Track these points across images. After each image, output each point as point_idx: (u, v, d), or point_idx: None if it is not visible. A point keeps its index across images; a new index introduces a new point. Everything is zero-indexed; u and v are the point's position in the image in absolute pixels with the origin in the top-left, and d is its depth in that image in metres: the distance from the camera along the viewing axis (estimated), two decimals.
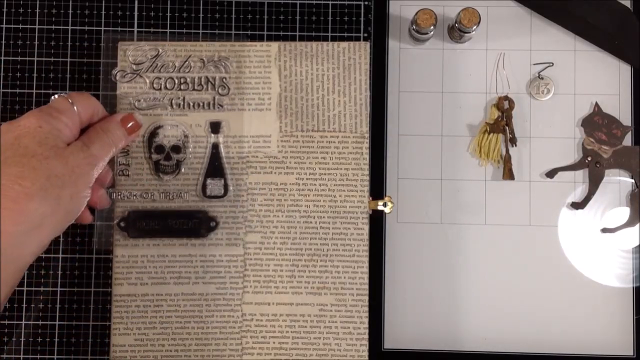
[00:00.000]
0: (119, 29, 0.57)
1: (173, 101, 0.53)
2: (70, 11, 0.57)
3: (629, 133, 0.57)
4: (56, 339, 0.55)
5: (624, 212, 0.56)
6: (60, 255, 0.55)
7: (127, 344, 0.51)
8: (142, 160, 0.52)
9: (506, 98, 0.57)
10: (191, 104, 0.53)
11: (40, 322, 0.55)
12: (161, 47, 0.53)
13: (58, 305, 0.55)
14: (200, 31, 0.57)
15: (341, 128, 0.53)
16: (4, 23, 0.57)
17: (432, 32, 0.56)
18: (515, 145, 0.57)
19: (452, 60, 0.58)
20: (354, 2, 0.57)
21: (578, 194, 0.57)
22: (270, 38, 0.57)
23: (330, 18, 0.57)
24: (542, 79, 0.57)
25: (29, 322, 0.55)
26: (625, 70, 0.57)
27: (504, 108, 0.57)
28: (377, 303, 0.55)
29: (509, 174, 0.56)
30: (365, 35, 0.57)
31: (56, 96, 0.47)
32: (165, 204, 0.52)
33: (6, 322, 0.55)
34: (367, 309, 0.52)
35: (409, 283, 0.56)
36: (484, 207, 0.57)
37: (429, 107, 0.57)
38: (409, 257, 0.56)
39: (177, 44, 0.53)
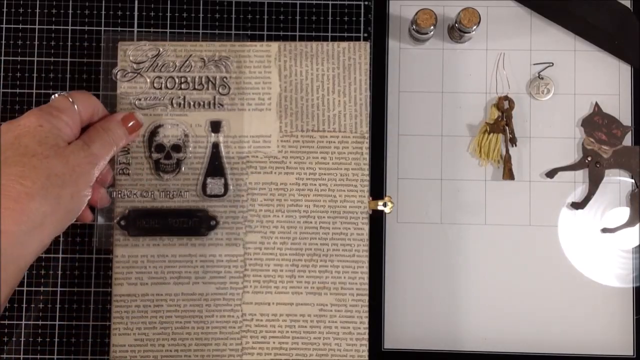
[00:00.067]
0: (119, 28, 0.57)
1: (173, 100, 0.53)
2: (70, 11, 0.57)
3: (629, 133, 0.57)
4: (56, 339, 0.55)
5: (624, 212, 0.56)
6: (60, 255, 0.55)
7: (127, 344, 0.51)
8: (143, 159, 0.52)
9: (506, 98, 0.57)
10: (191, 103, 0.53)
11: (40, 322, 0.55)
12: (161, 46, 0.53)
13: (58, 305, 0.55)
14: (200, 31, 0.57)
15: (341, 128, 0.53)
16: (4, 23, 0.57)
17: (432, 32, 0.56)
18: (515, 145, 0.57)
19: (452, 60, 0.58)
20: (354, 2, 0.57)
21: (578, 194, 0.57)
22: (270, 38, 0.57)
23: (330, 18, 0.57)
24: (542, 79, 0.57)
25: (29, 322, 0.55)
26: (625, 70, 0.57)
27: (504, 108, 0.57)
28: (377, 303, 0.55)
29: (509, 174, 0.56)
30: (365, 35, 0.57)
31: (56, 95, 0.47)
32: (166, 202, 0.52)
33: (6, 322, 0.55)
34: (367, 309, 0.52)
35: (409, 283, 0.56)
36: (484, 207, 0.57)
37: (429, 107, 0.57)
38: (409, 257, 0.56)
39: (177, 44, 0.53)
